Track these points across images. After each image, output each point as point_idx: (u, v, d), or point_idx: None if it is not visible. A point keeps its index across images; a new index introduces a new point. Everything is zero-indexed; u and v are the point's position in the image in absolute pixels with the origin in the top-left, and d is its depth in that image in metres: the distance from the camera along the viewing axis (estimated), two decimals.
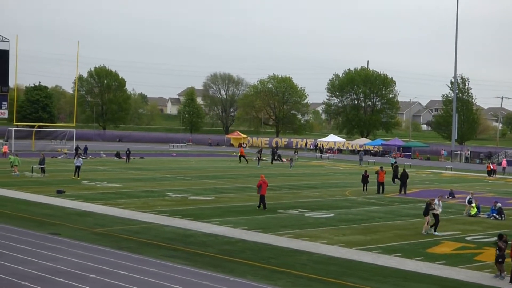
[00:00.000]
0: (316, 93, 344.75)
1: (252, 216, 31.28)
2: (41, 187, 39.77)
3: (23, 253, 20.90)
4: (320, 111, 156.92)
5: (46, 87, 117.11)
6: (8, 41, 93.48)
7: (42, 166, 47.50)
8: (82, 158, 49.46)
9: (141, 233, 25.72)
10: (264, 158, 72.14)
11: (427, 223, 28.23)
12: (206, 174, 53.39)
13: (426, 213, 28.24)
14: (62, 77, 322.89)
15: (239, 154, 71.71)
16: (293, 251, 23.27)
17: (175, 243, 23.85)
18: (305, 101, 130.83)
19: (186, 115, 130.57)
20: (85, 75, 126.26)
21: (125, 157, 64.76)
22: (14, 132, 78.21)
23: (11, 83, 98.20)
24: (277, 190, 43.15)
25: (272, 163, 70.29)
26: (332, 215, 32.26)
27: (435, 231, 28.05)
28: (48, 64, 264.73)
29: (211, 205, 34.52)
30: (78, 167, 46.27)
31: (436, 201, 28.47)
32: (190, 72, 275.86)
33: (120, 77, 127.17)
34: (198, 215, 30.60)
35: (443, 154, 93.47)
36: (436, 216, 28.20)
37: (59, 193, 36.91)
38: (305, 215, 32.29)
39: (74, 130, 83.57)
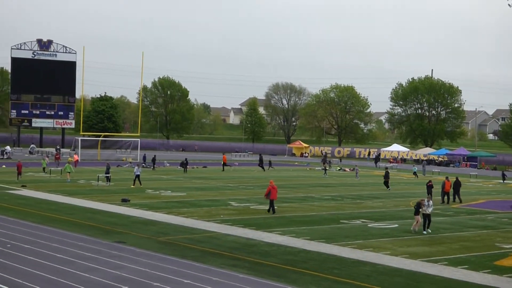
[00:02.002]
0: (379, 102, 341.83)
1: (315, 226, 31.11)
2: (106, 196, 40.48)
3: (89, 261, 21.28)
4: (383, 120, 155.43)
5: (111, 98, 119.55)
6: (75, 53, 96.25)
7: (107, 175, 48.41)
8: (146, 167, 50.24)
9: (204, 242, 25.87)
10: (327, 168, 71.72)
11: (417, 222, 29.75)
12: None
13: (416, 212, 29.72)
14: (127, 88, 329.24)
15: (222, 162, 70.02)
16: (357, 262, 23.03)
17: (237, 252, 23.90)
18: (368, 110, 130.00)
19: (248, 125, 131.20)
20: (149, 85, 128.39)
21: (188, 167, 65.21)
22: (81, 142, 79.94)
23: (78, 94, 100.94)
24: (340, 200, 42.86)
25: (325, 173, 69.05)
26: (396, 225, 31.81)
27: (428, 228, 29.81)
28: (113, 75, 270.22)
29: (274, 215, 34.45)
30: (137, 176, 47.00)
31: (425, 202, 30.08)
32: (252, 82, 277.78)
33: (183, 87, 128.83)
34: (261, 225, 30.61)
35: None
36: (427, 215, 29.84)
37: (124, 201, 37.50)
38: (369, 225, 31.95)
39: (139, 139, 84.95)
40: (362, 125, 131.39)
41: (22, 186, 44.47)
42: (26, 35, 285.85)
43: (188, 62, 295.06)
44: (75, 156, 68.37)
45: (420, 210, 29.68)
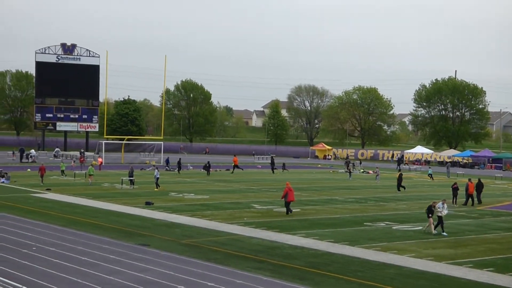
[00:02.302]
0: (402, 103, 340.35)
1: (338, 228, 31.02)
2: (130, 199, 40.68)
3: (114, 263, 21.39)
4: (407, 122, 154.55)
5: (134, 101, 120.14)
6: (99, 57, 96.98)
7: (131, 178, 48.66)
8: (169, 170, 50.35)
9: (228, 244, 25.89)
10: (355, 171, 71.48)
11: (431, 224, 30.15)
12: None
13: (429, 214, 30.28)
14: (150, 91, 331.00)
15: (233, 164, 69.73)
16: (381, 265, 22.90)
17: (261, 255, 23.89)
18: (391, 112, 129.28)
19: (271, 127, 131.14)
20: (172, 88, 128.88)
21: (211, 169, 65.22)
22: (105, 145, 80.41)
23: (101, 98, 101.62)
24: (363, 203, 42.68)
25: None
26: (420, 227, 31.57)
27: (442, 230, 29.95)
28: (136, 78, 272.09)
29: (297, 217, 34.42)
30: (157, 179, 47.29)
31: (439, 204, 30.47)
32: (275, 84, 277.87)
33: (206, 90, 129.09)
34: (284, 227, 30.57)
35: None
36: (440, 217, 30.18)
37: (148, 204, 37.65)
38: (393, 227, 31.77)
39: (162, 142, 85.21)
40: (385, 127, 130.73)
41: (47, 189, 44.86)
42: (50, 39, 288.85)
43: (211, 64, 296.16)
44: (99, 159, 68.76)
45: (434, 211, 30.21)
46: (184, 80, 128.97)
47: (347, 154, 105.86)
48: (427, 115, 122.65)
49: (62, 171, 56.82)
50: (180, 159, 69.84)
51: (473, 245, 27.55)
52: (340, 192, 49.49)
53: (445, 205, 30.81)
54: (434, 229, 30.02)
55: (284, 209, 35.52)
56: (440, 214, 30.15)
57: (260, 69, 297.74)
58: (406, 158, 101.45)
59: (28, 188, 45.53)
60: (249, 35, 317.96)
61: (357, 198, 45.28)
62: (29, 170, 60.62)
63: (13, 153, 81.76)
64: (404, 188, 51.59)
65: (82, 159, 69.88)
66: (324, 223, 32.53)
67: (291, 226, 30.99)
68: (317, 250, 25.28)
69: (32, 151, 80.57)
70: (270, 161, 75.32)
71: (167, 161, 71.77)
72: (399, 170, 59.56)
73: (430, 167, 76.22)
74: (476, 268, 22.62)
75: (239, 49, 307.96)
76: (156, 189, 46.44)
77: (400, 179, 52.03)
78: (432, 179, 66.02)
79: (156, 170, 48.62)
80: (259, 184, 54.23)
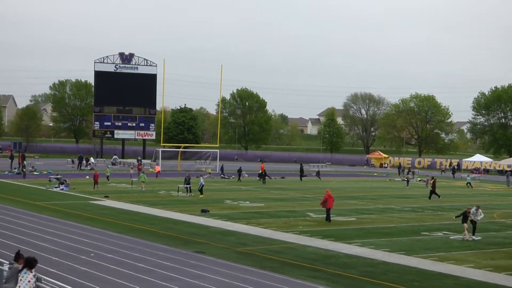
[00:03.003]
0: (460, 111, 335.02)
1: (394, 238, 30.65)
2: (186, 206, 40.99)
3: (170, 270, 21.56)
4: (465, 130, 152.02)
5: (191, 109, 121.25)
6: (156, 66, 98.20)
7: (188, 185, 49.03)
8: (225, 178, 50.61)
9: (283, 252, 25.84)
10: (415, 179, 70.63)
11: (466, 230, 30.84)
12: (346, 194, 52.98)
13: (464, 220, 31.05)
14: (206, 99, 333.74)
15: (260, 171, 66.46)
16: (438, 275, 22.52)
17: (316, 264, 23.76)
18: (449, 120, 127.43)
19: (326, 135, 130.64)
20: (228, 97, 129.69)
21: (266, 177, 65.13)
22: (161, 153, 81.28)
23: (158, 106, 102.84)
24: (420, 212, 42.09)
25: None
26: (479, 238, 30.97)
27: (473, 235, 30.80)
28: (193, 87, 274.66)
29: (352, 226, 34.16)
30: (202, 186, 47.89)
31: (473, 210, 31.42)
32: (330, 92, 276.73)
33: (261, 98, 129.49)
34: (339, 236, 30.36)
35: None
36: (473, 222, 31.16)
37: (204, 212, 37.87)
38: (451, 237, 31.24)
39: (218, 150, 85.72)
40: (443, 135, 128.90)
41: (105, 196, 45.55)
42: (109, 49, 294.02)
43: (266, 73, 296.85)
44: (157, 167, 69.42)
45: (468, 218, 31.17)
46: (239, 88, 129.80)
47: (400, 163, 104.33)
48: (486, 123, 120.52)
49: (107, 177, 57.94)
50: (240, 167, 69.97)
51: None
52: (396, 201, 48.93)
53: (480, 211, 31.69)
54: (473, 235, 30.85)
55: (342, 219, 35.24)
56: (473, 219, 31.23)
57: (316, 77, 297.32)
58: (464, 166, 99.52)
59: (87, 195, 46.31)
60: (305, 43, 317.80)
61: (413, 207, 44.68)
62: (87, 177, 61.73)
63: (73, 160, 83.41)
64: (439, 197, 50.92)
65: (140, 166, 70.74)
66: (380, 232, 32.19)
67: (347, 235, 30.76)
68: (373, 259, 25.02)
69: (91, 158, 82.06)
70: (299, 168, 72.99)
71: (221, 169, 72.16)
72: (432, 177, 57.64)
73: (468, 175, 74.79)
74: None
75: (294, 57, 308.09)
76: (201, 196, 46.68)
77: (434, 186, 51.79)
78: (471, 187, 64.75)
79: (201, 178, 49.06)
80: (314, 193, 54.00)
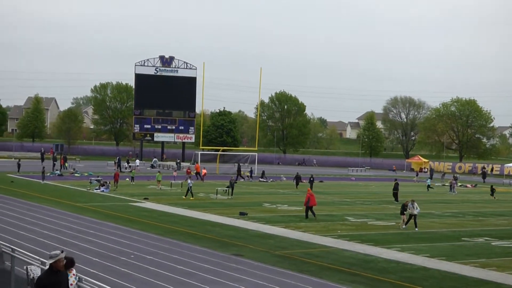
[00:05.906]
0: (503, 116, 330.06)
1: (434, 243, 30.35)
2: (225, 209, 41.13)
3: (209, 273, 21.65)
4: (507, 135, 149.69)
5: (230, 113, 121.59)
6: (196, 69, 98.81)
7: (231, 188, 48.87)
8: (265, 181, 50.86)
9: (321, 256, 25.76)
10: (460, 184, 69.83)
11: (403, 221, 34.77)
12: (386, 199, 52.59)
13: (402, 212, 34.98)
14: (245, 103, 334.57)
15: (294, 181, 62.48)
16: (479, 281, 22.23)
17: (355, 268, 23.65)
18: (491, 125, 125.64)
19: (366, 139, 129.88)
20: (266, 100, 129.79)
21: (305, 181, 64.79)
22: (200, 156, 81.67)
23: (198, 109, 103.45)
24: (461, 217, 41.60)
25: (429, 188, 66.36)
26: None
27: (415, 227, 33.91)
28: (232, 90, 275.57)
29: (392, 231, 33.91)
30: (189, 187, 47.33)
31: (409, 204, 34.48)
32: (369, 96, 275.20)
33: (299, 101, 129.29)
34: (379, 241, 30.16)
35: None
36: (412, 216, 34.37)
37: (242, 215, 37.96)
38: (492, 243, 30.81)
39: (256, 154, 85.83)
40: (484, 140, 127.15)
41: (145, 198, 45.94)
42: (149, 52, 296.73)
43: (305, 76, 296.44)
44: (204, 171, 68.88)
45: (405, 211, 34.73)
46: (278, 92, 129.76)
47: (430, 168, 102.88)
48: None
49: (159, 181, 57.89)
50: (297, 173, 64.98)
51: None
52: (436, 206, 48.42)
53: (415, 204, 34.58)
54: (404, 225, 34.53)
55: (382, 223, 34.98)
56: (412, 213, 34.35)
57: (356, 80, 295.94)
58: (506, 171, 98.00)
59: (127, 197, 46.76)
60: (343, 47, 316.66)
61: (454, 212, 44.18)
62: (127, 179, 62.32)
63: (114, 162, 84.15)
64: (397, 200, 49.83)
65: (189, 170, 69.17)
66: (420, 237, 31.89)
67: (386, 240, 30.56)
68: (412, 264, 24.81)
69: (137, 161, 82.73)
70: (295, 176, 64.11)
71: (251, 172, 72.78)
72: (395, 180, 55.73)
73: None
74: None
75: (333, 60, 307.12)
76: (191, 198, 46.29)
77: (395, 188, 51.67)
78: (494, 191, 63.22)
79: (189, 180, 48.39)
80: (353, 197, 53.74)
